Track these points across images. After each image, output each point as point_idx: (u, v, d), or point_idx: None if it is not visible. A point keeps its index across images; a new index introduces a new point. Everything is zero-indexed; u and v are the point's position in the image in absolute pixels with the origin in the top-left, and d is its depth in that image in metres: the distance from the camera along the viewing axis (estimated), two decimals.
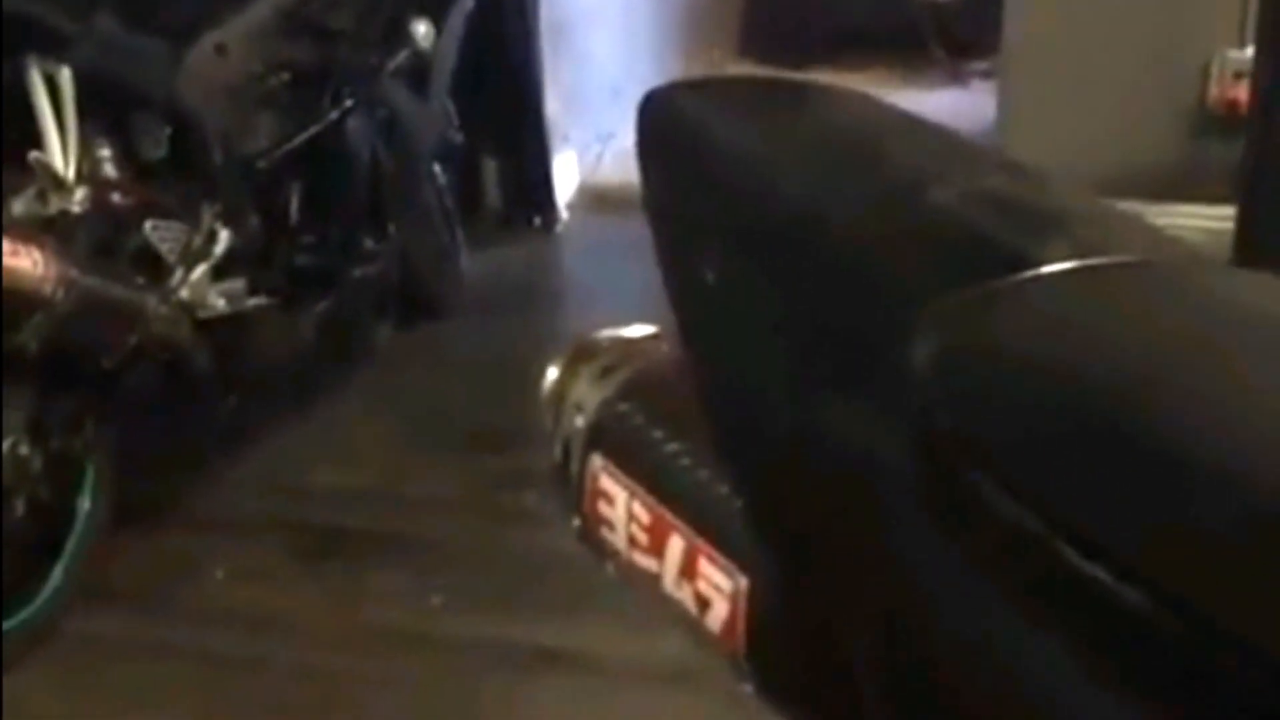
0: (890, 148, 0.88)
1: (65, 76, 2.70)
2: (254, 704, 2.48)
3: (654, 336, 1.02)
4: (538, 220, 4.37)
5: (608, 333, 1.05)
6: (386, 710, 2.47)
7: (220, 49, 3.04)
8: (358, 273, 3.28)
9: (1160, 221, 3.16)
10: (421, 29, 3.39)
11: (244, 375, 3.02)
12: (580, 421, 0.99)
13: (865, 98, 0.96)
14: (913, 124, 0.92)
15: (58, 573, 2.63)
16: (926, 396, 0.68)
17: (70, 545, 2.65)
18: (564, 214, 4.41)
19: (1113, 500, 0.61)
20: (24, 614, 2.54)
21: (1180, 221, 3.62)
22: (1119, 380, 0.66)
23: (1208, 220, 3.53)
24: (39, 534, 2.61)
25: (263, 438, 3.20)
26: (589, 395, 0.99)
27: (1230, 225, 3.31)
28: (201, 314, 2.88)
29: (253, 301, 3.00)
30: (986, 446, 0.66)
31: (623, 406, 0.97)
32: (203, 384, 2.90)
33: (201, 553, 2.87)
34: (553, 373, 1.04)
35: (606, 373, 1.00)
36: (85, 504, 2.69)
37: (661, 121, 0.91)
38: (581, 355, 1.03)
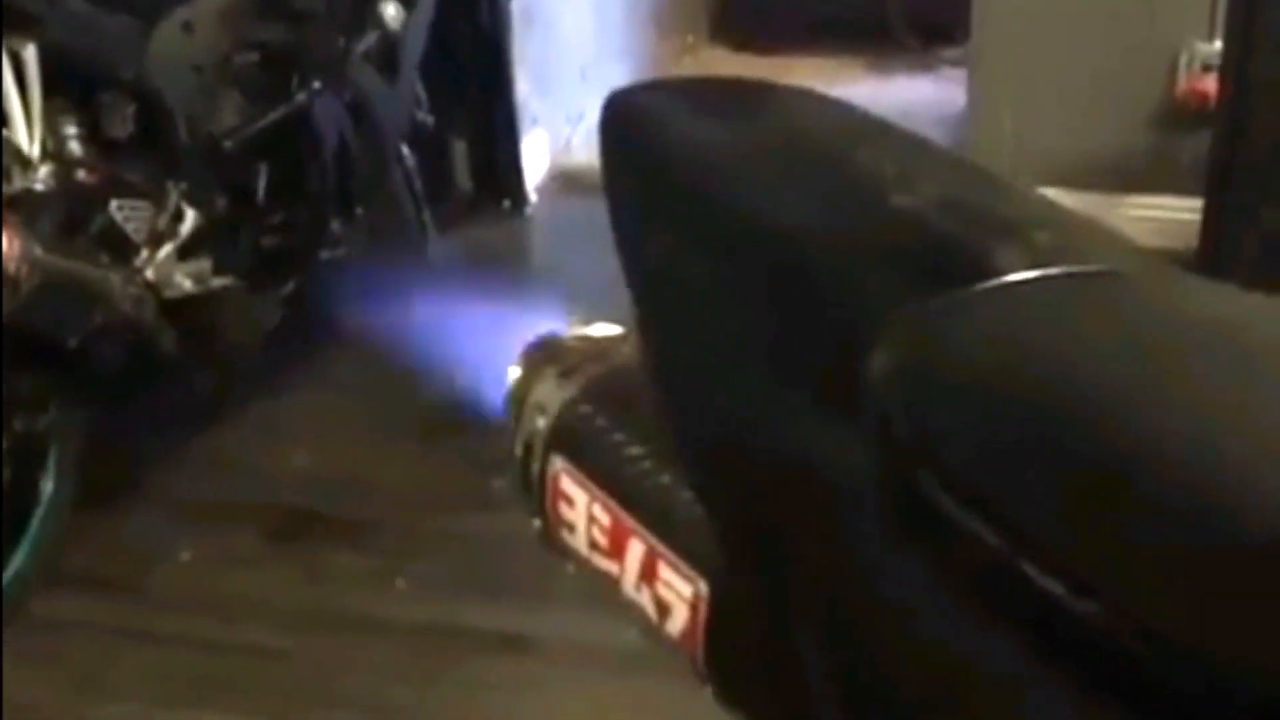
0: (852, 151, 0.87)
1: (30, 53, 2.67)
2: (217, 686, 2.48)
3: (619, 337, 1.02)
4: (507, 202, 4.36)
5: (572, 331, 1.05)
6: (350, 693, 2.47)
7: (188, 27, 3.01)
8: (325, 255, 3.27)
9: (1128, 213, 3.18)
10: (391, 10, 3.37)
11: (209, 356, 3.01)
12: (542, 422, 0.98)
13: (827, 99, 0.95)
14: (874, 125, 0.92)
15: (21, 554, 2.62)
16: (884, 406, 0.68)
17: (34, 527, 2.64)
18: (533, 196, 4.40)
19: (1069, 514, 0.62)
20: None
21: (1147, 213, 3.64)
22: (1077, 393, 0.66)
23: (1174, 212, 3.55)
24: (2, 515, 2.59)
25: (228, 419, 3.19)
26: (551, 396, 0.99)
27: (1197, 217, 3.32)
28: (167, 294, 2.87)
29: (219, 282, 2.98)
30: (944, 458, 0.66)
31: (585, 408, 0.97)
32: (168, 364, 2.89)
33: (167, 535, 2.86)
34: (515, 371, 1.03)
35: (570, 373, 0.99)
36: (49, 485, 2.68)
37: (624, 124, 0.91)
38: (545, 355, 1.02)
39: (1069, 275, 0.75)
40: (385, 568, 2.75)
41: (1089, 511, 0.61)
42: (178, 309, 2.87)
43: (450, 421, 3.15)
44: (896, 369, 0.69)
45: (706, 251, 0.83)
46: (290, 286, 3.17)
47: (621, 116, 0.91)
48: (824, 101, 0.96)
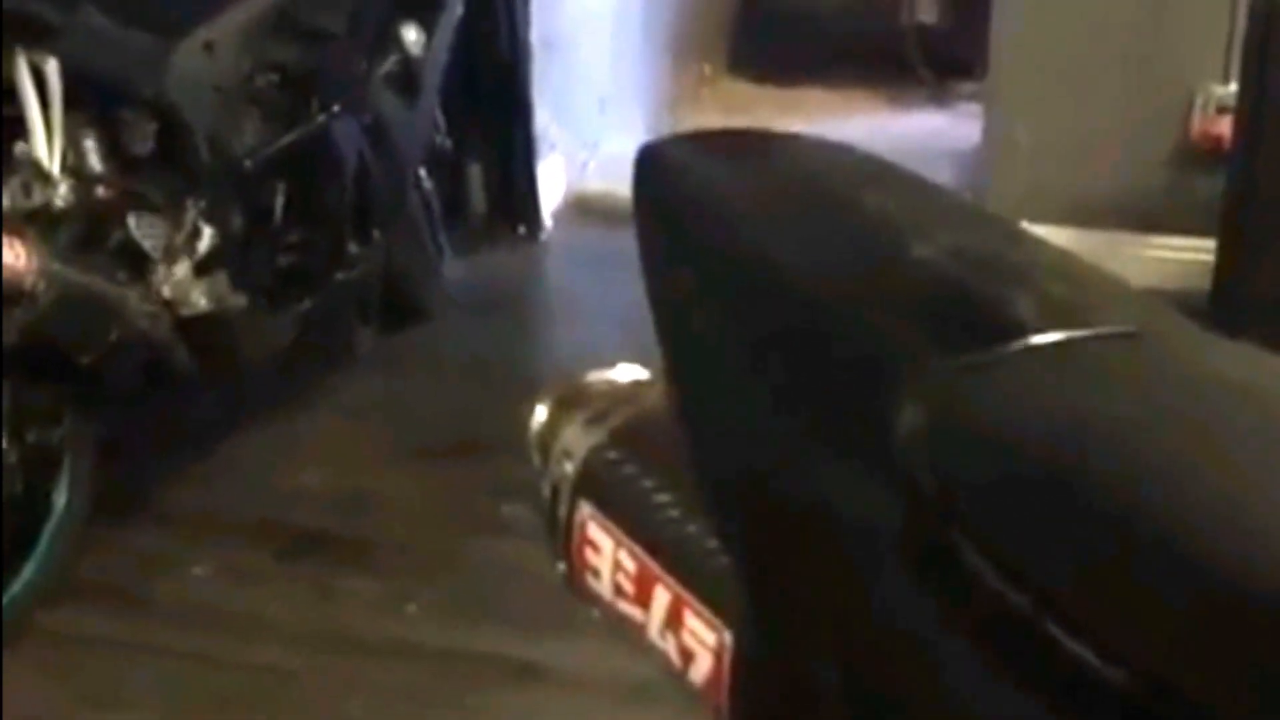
0: (871, 199, 0.88)
1: (52, 68, 2.68)
2: (224, 704, 2.48)
3: (646, 382, 1.02)
4: (523, 228, 4.36)
5: (598, 375, 1.06)
6: (357, 716, 2.46)
7: (209, 46, 3.02)
8: (340, 276, 3.27)
9: (1142, 252, 3.18)
10: (412, 35, 3.39)
11: (224, 374, 3.01)
12: (569, 468, 0.99)
13: (844, 146, 0.96)
14: (891, 172, 0.93)
15: (32, 567, 2.62)
16: (914, 465, 0.69)
17: (45, 540, 2.65)
18: (549, 223, 4.41)
19: (1095, 579, 0.62)
20: None
21: (1161, 254, 3.64)
22: (1103, 459, 0.67)
23: (1188, 252, 3.55)
24: (14, 528, 2.59)
25: (241, 437, 3.20)
26: (578, 442, 0.99)
27: (1210, 258, 3.33)
28: (183, 311, 2.87)
29: (234, 300, 2.99)
30: (972, 517, 0.66)
31: (612, 454, 0.98)
32: (182, 381, 2.89)
33: (178, 551, 2.86)
34: (541, 413, 1.04)
35: (596, 419, 1.00)
36: (61, 499, 2.68)
37: (653, 174, 0.92)
38: (571, 399, 1.03)
39: (1096, 338, 0.75)
40: (396, 590, 2.75)
41: (1115, 577, 0.62)
42: (193, 326, 2.88)
43: (463, 444, 3.17)
44: (926, 428, 0.70)
45: (731, 299, 0.84)
46: (306, 306, 3.17)
47: (651, 167, 0.92)
48: (841, 149, 0.97)
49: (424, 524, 2.96)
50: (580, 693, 2.46)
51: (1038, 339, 0.74)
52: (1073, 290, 0.82)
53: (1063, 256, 0.86)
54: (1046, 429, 0.70)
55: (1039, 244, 0.88)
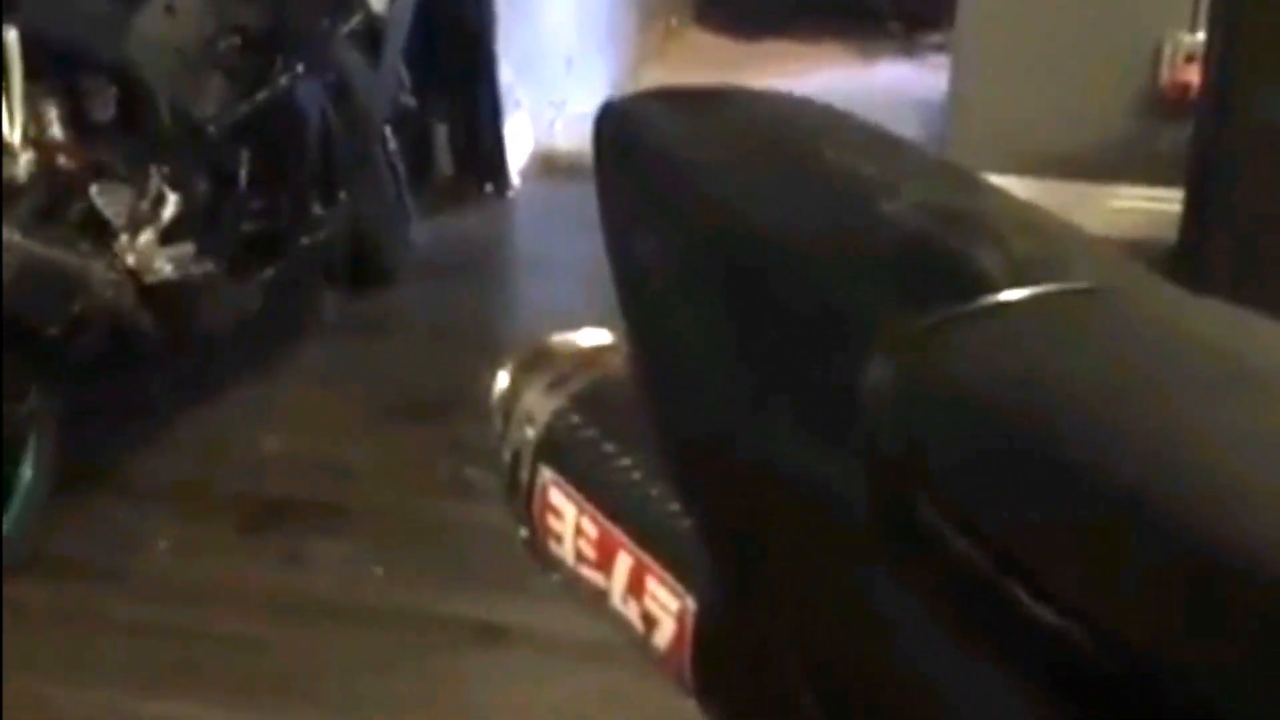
0: (836, 155, 0.87)
1: (11, 37, 2.65)
2: (193, 674, 2.48)
3: (609, 345, 1.01)
4: (489, 187, 4.35)
5: (561, 338, 1.04)
6: (326, 682, 2.46)
7: (170, 10, 2.99)
8: (306, 239, 3.26)
9: (1108, 202, 3.18)
10: None
11: (190, 341, 3.00)
12: (530, 433, 0.98)
13: (810, 101, 0.95)
14: (856, 126, 0.92)
15: None
16: (877, 425, 0.68)
17: (10, 513, 2.64)
18: (516, 181, 4.39)
19: (1059, 540, 0.62)
20: None
21: (1128, 203, 3.64)
22: (1070, 417, 0.66)
23: (1155, 202, 3.56)
24: None
25: (208, 405, 3.19)
26: (540, 406, 0.99)
27: (1178, 207, 3.33)
28: (148, 279, 2.85)
29: (200, 267, 2.97)
30: (935, 478, 0.66)
31: (574, 419, 0.97)
32: (148, 350, 2.88)
33: (144, 521, 2.85)
34: (504, 378, 1.03)
35: (559, 382, 0.99)
36: (27, 472, 2.67)
37: (617, 135, 0.90)
38: (534, 363, 1.02)
39: (1063, 293, 0.75)
40: (363, 555, 2.75)
41: (1080, 538, 0.61)
42: (158, 294, 2.86)
43: (431, 407, 3.17)
44: (891, 387, 0.69)
45: (692, 257, 0.83)
46: (271, 272, 3.16)
47: (612, 123, 0.91)
48: (804, 104, 0.96)
49: (391, 488, 2.96)
50: (545, 653, 2.46)
51: (1006, 295, 0.74)
52: (1040, 245, 0.81)
53: (1029, 210, 0.86)
54: (1013, 388, 0.69)
55: (1005, 198, 0.87)
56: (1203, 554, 0.58)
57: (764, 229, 0.81)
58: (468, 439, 2.81)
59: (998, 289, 0.74)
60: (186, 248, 2.95)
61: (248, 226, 3.16)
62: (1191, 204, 3.26)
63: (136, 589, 2.68)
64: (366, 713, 2.39)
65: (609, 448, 0.94)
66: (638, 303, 0.86)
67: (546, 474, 0.96)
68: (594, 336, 1.04)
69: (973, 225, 0.81)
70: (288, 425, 3.17)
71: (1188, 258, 3.23)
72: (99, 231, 2.79)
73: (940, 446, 0.67)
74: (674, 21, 5.53)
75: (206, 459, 3.06)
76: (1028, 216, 0.84)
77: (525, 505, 0.99)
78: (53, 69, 2.76)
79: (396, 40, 3.51)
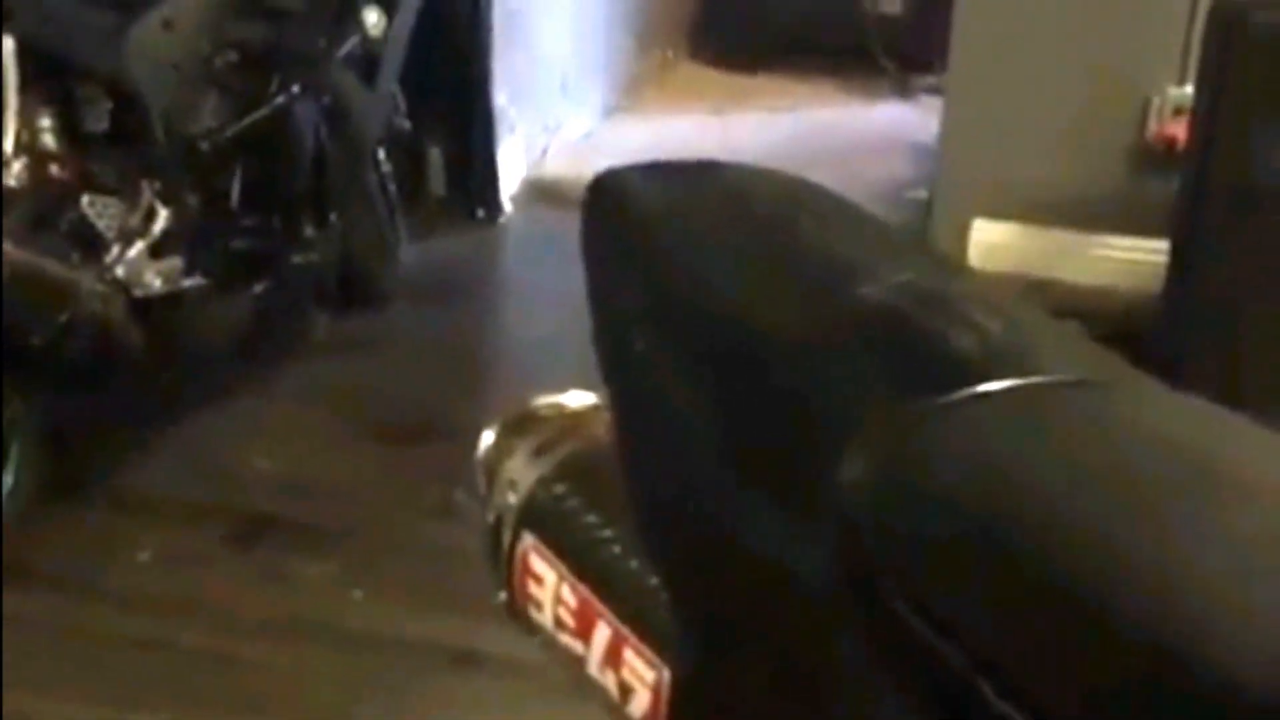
0: (820, 238, 0.88)
1: (7, 46, 2.66)
2: (168, 689, 2.47)
3: (595, 408, 1.02)
4: (481, 211, 4.35)
5: (547, 401, 1.05)
6: (302, 702, 2.46)
7: (168, 24, 3.01)
8: (296, 259, 3.26)
9: (1095, 251, 3.19)
10: (373, 17, 3.37)
11: (177, 357, 3.00)
12: (513, 499, 0.99)
13: (795, 180, 0.96)
14: (841, 209, 0.93)
15: None
16: (852, 516, 0.69)
17: None
18: (508, 206, 4.40)
19: (1029, 642, 0.63)
20: None
21: (1114, 253, 3.66)
22: (1046, 520, 0.67)
23: (1141, 253, 3.57)
24: None
25: (193, 421, 3.19)
26: (524, 473, 0.99)
27: (1163, 258, 3.35)
28: (136, 292, 2.86)
29: (189, 282, 2.98)
30: (909, 572, 0.67)
31: (558, 488, 0.98)
32: (135, 363, 2.88)
33: (126, 534, 2.85)
34: (488, 439, 1.03)
35: (543, 450, 1.00)
36: (8, 479, 2.67)
37: (607, 210, 0.91)
38: (519, 427, 1.02)
39: (1043, 387, 0.75)
40: (343, 576, 2.75)
41: (1048, 640, 0.62)
42: (146, 308, 2.87)
43: (417, 429, 3.17)
44: (867, 480, 0.70)
45: (672, 334, 0.84)
46: (260, 289, 3.16)
47: (604, 194, 0.92)
48: (792, 182, 0.96)
49: (374, 509, 2.96)
50: (523, 682, 2.46)
51: (983, 386, 0.74)
52: (1020, 335, 0.81)
53: (1009, 298, 0.87)
54: (990, 486, 0.70)
55: (980, 282, 0.89)
56: (1169, 667, 0.59)
57: (743, 310, 0.82)
58: (452, 462, 2.80)
59: (974, 379, 0.74)
60: (176, 262, 2.95)
61: (238, 244, 3.17)
62: (1177, 256, 3.28)
63: (114, 601, 2.67)
64: None
65: (591, 518, 0.96)
66: (617, 368, 0.87)
67: (528, 540, 0.98)
68: (580, 399, 1.05)
69: (950, 310, 0.81)
70: (273, 443, 3.17)
71: (1173, 308, 3.25)
72: (89, 243, 2.80)
73: (913, 542, 0.68)
74: (669, 53, 5.55)
75: (190, 474, 3.06)
76: (1010, 306, 0.85)
77: (506, 570, 0.99)
78: (47, 79, 2.77)
79: (392, 63, 3.52)
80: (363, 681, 2.49)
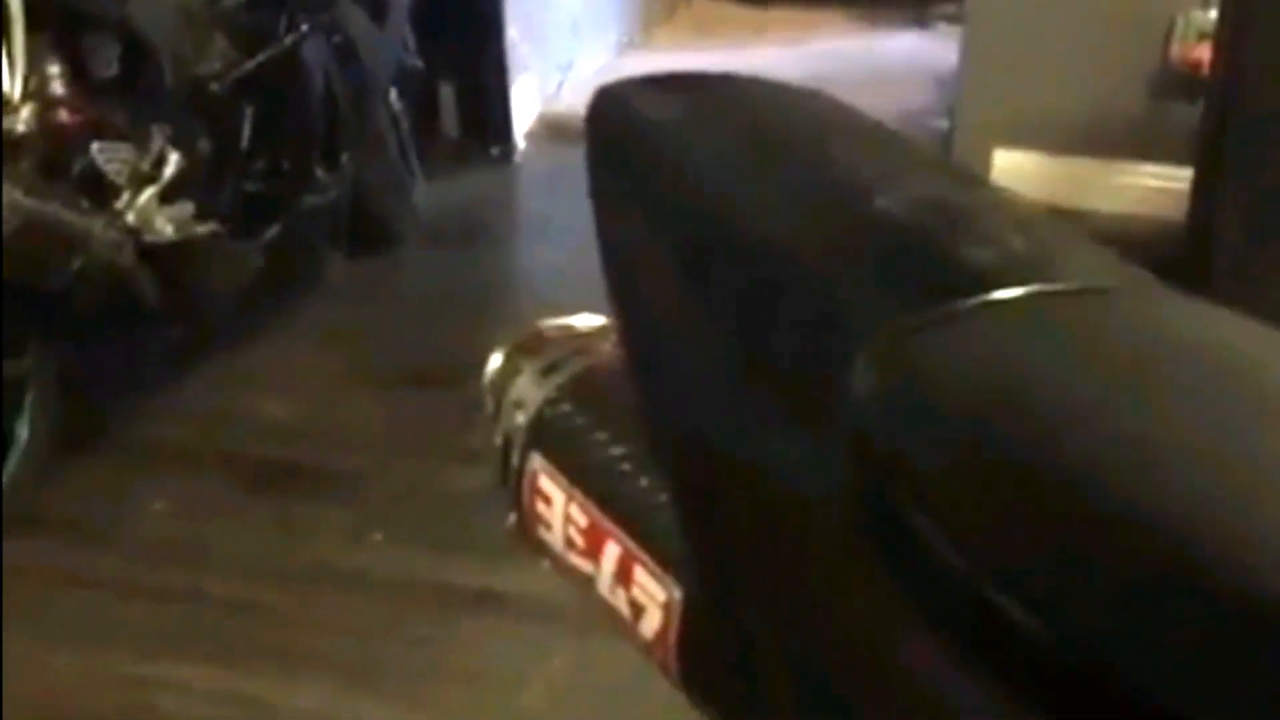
0: (832, 150, 0.86)
1: None
2: (188, 638, 2.47)
3: (602, 330, 1.00)
4: (495, 149, 4.33)
5: (555, 323, 1.03)
6: (322, 647, 2.46)
7: None
8: (309, 201, 3.24)
9: (1117, 179, 3.15)
10: None
11: (190, 302, 2.99)
12: (521, 419, 0.98)
13: (805, 91, 0.94)
14: (855, 121, 0.91)
15: None
16: (863, 422, 0.67)
17: (6, 471, 2.63)
18: (522, 143, 4.38)
19: (1041, 547, 0.61)
20: None
21: (1136, 180, 3.62)
22: (1052, 422, 0.66)
23: (1164, 180, 3.54)
24: None
25: (207, 367, 3.18)
26: (531, 393, 0.98)
27: (1186, 186, 3.31)
28: (148, 239, 2.84)
29: (201, 227, 2.95)
30: (917, 479, 0.65)
31: (565, 406, 0.96)
32: (147, 310, 2.87)
33: (140, 483, 2.84)
34: (496, 361, 1.02)
35: (551, 369, 0.98)
36: (24, 429, 2.66)
37: (610, 121, 0.89)
38: (526, 348, 1.01)
39: (1053, 293, 0.74)
40: (362, 520, 2.74)
41: (1067, 549, 0.61)
42: (158, 254, 2.85)
43: (432, 371, 3.15)
44: (878, 386, 0.68)
45: (681, 249, 0.82)
46: (273, 233, 3.14)
47: (605, 109, 0.90)
48: (803, 94, 0.94)
49: (390, 453, 2.95)
50: (546, 622, 2.45)
51: (999, 293, 0.73)
52: (1037, 244, 0.80)
53: (1028, 209, 0.85)
54: (997, 392, 0.68)
55: (1003, 196, 0.87)
56: (1191, 576, 0.58)
57: (755, 222, 0.80)
58: (468, 405, 2.79)
59: (990, 288, 0.73)
60: (187, 207, 2.93)
61: (250, 187, 3.15)
62: (1200, 183, 3.24)
63: (131, 550, 2.67)
64: (366, 678, 2.39)
65: (600, 436, 0.94)
66: (625, 288, 0.86)
67: (536, 461, 0.96)
68: (589, 321, 1.03)
69: (969, 222, 0.80)
70: (287, 388, 3.16)
71: (1195, 236, 3.21)
72: (100, 190, 2.78)
73: (923, 449, 0.67)
74: None
75: (205, 421, 3.05)
76: (1025, 215, 0.83)
77: (515, 491, 0.98)
78: (55, 24, 2.74)
79: (402, 1, 3.49)
80: (387, 625, 2.49)
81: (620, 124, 0.89)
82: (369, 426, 3.05)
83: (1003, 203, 0.85)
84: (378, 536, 2.71)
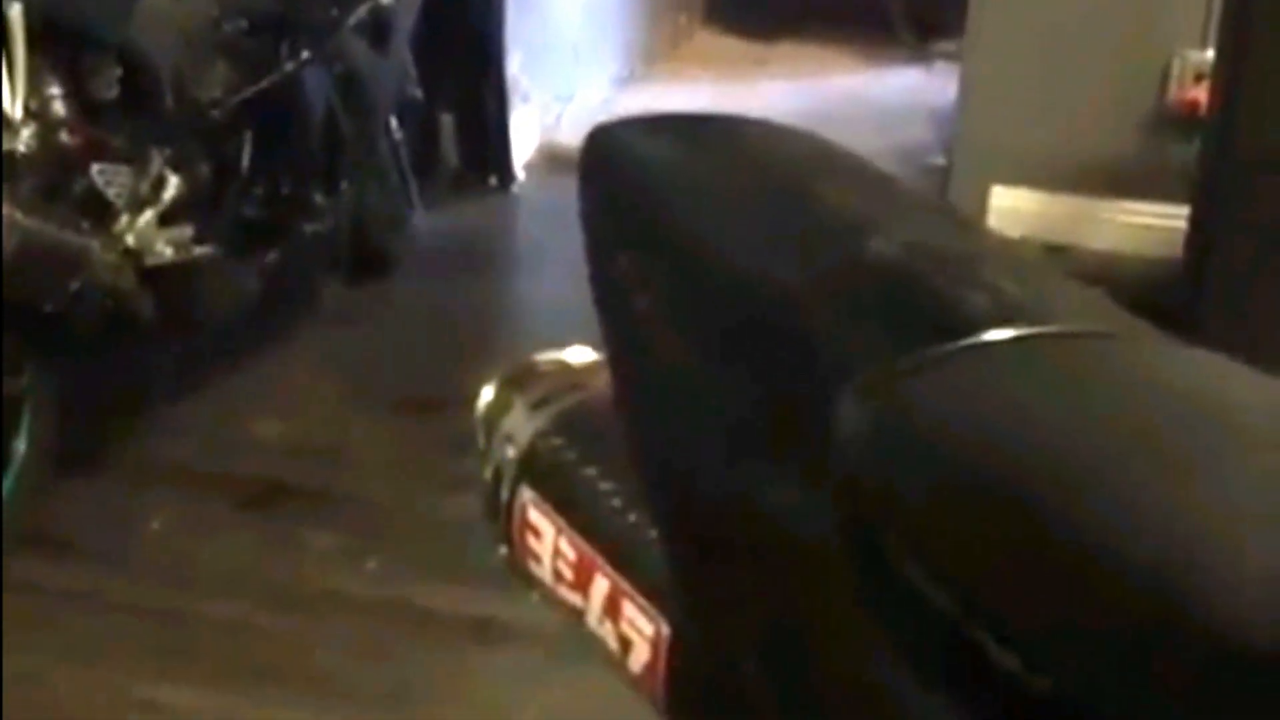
0: (825, 193, 0.86)
1: (16, 12, 2.64)
2: (181, 658, 2.47)
3: (596, 366, 1.00)
4: (494, 179, 4.34)
5: (548, 357, 1.04)
6: (315, 672, 2.46)
7: None
8: (307, 227, 3.25)
9: (1114, 217, 3.17)
10: None
11: (188, 325, 2.99)
12: (511, 452, 0.98)
13: (798, 132, 0.94)
14: (848, 164, 0.91)
15: None
16: (852, 466, 0.68)
17: (4, 489, 2.63)
18: (521, 174, 4.39)
19: (1027, 590, 0.61)
20: None
21: (1134, 219, 3.64)
22: (1048, 469, 0.65)
23: (1161, 219, 3.55)
24: None
25: (205, 389, 3.18)
26: (522, 426, 0.98)
27: (1183, 225, 3.32)
28: (147, 261, 2.84)
29: (199, 250, 2.96)
30: (905, 520, 0.65)
31: (556, 440, 0.97)
32: (145, 332, 2.87)
33: (137, 502, 2.85)
34: (487, 394, 1.02)
35: (543, 403, 0.99)
36: (21, 448, 2.66)
37: (603, 159, 0.90)
38: (519, 380, 1.01)
39: (1045, 336, 0.74)
40: (357, 545, 2.74)
41: (1047, 588, 0.61)
42: (157, 276, 2.85)
43: (428, 398, 3.16)
44: (868, 428, 0.69)
45: (673, 288, 0.82)
46: (271, 257, 3.15)
47: (600, 148, 0.90)
48: (796, 136, 0.95)
49: (386, 477, 2.96)
50: (542, 652, 2.45)
51: (990, 335, 0.73)
52: (1028, 288, 0.80)
53: (1020, 254, 0.85)
54: (992, 434, 0.68)
55: (996, 241, 0.87)
56: (1168, 615, 0.58)
57: (746, 263, 0.80)
58: (464, 431, 2.79)
59: (983, 329, 0.73)
60: (186, 231, 2.94)
61: (249, 212, 3.16)
62: (1197, 221, 3.25)
63: (126, 569, 2.67)
64: (358, 703, 2.38)
65: (589, 471, 0.94)
66: (617, 327, 0.86)
67: (526, 494, 0.96)
68: (581, 355, 1.03)
69: (961, 266, 0.79)
70: (284, 411, 3.16)
71: (1192, 274, 3.22)
72: (100, 211, 2.78)
73: (911, 489, 0.67)
74: (683, 20, 5.52)
75: (201, 442, 3.05)
76: (1017, 259, 0.84)
77: (505, 524, 0.98)
78: (57, 46, 2.75)
79: (403, 31, 3.50)
80: (381, 650, 2.49)
81: (614, 163, 0.89)
82: (364, 450, 3.05)
83: (995, 247, 0.86)
84: (371, 562, 2.71)
